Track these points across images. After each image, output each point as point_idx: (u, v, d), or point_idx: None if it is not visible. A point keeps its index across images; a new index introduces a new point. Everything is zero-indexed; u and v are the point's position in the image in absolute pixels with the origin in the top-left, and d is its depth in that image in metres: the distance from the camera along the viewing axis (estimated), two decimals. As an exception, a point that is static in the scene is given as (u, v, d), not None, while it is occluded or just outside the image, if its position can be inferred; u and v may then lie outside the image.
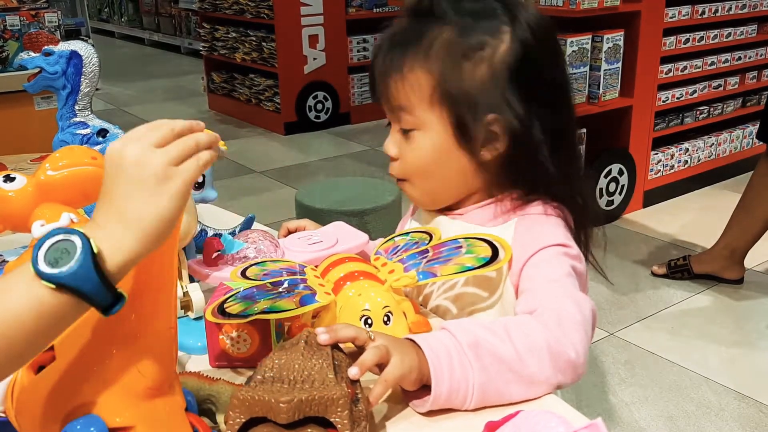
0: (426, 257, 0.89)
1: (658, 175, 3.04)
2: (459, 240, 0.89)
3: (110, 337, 0.58)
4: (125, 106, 5.17)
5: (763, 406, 1.76)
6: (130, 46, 8.19)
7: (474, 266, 0.84)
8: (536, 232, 0.87)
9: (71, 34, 5.46)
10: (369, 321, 0.81)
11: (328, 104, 4.40)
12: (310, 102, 4.33)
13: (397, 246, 0.95)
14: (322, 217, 2.22)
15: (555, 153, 0.88)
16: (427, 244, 0.92)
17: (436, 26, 0.87)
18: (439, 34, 0.87)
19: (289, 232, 1.11)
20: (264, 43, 4.26)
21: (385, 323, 0.82)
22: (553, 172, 0.88)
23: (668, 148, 3.06)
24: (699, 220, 2.91)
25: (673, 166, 3.09)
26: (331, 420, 0.60)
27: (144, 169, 0.54)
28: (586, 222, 0.93)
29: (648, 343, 2.04)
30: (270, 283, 0.86)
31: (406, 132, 0.90)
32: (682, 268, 2.39)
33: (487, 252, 0.85)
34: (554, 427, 0.57)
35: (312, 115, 4.37)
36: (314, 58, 4.27)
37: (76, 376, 0.59)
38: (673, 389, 1.84)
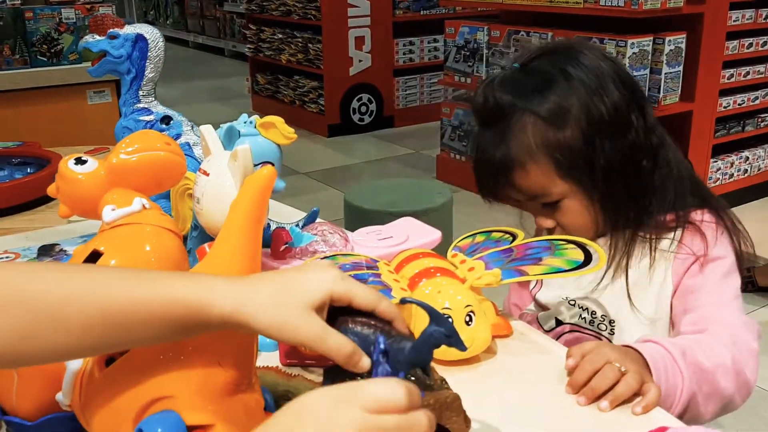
0: (510, 256, 0.83)
1: (717, 183, 2.92)
2: (548, 241, 0.84)
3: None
4: (173, 106, 5.18)
5: (841, 429, 1.66)
6: (174, 48, 8.27)
7: (565, 268, 0.79)
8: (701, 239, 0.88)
9: (119, 34, 5.52)
10: (449, 320, 0.76)
11: (373, 107, 4.36)
12: (355, 104, 4.30)
13: (477, 244, 0.90)
14: (372, 219, 2.17)
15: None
16: (510, 243, 0.87)
17: (518, 118, 0.88)
18: (524, 121, 0.88)
19: None
20: (310, 45, 4.24)
21: (467, 323, 0.76)
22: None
23: (728, 156, 2.95)
24: (761, 230, 2.77)
25: (733, 174, 2.98)
26: (446, 426, 0.55)
27: None
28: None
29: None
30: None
31: (550, 205, 0.91)
32: (746, 280, 2.28)
33: (579, 255, 0.80)
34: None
35: (356, 117, 4.33)
36: (360, 60, 4.23)
37: (150, 369, 0.54)
38: (744, 408, 1.74)
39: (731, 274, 0.88)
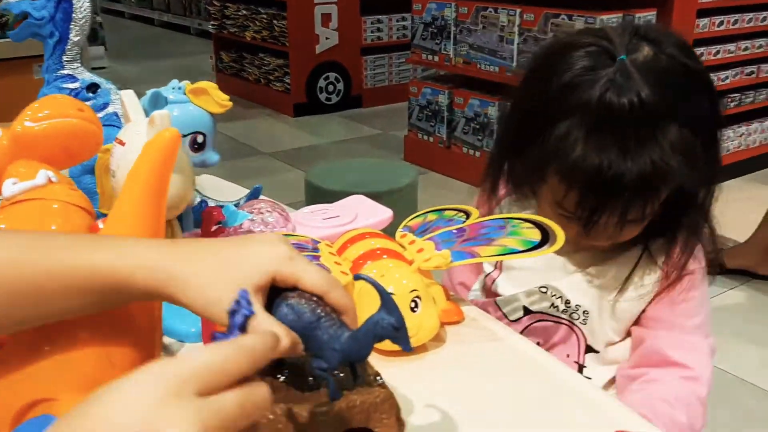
0: (462, 236, 0.76)
1: (686, 165, 2.89)
2: (502, 219, 0.77)
3: (73, 318, 0.45)
4: (132, 85, 5.01)
5: (808, 413, 1.63)
6: (139, 27, 8.07)
7: (520, 249, 0.72)
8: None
9: (78, 9, 5.33)
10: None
11: (340, 86, 4.26)
12: (321, 83, 4.19)
13: (428, 222, 0.83)
14: (334, 200, 2.11)
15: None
16: (464, 222, 0.80)
17: (659, 126, 0.74)
18: (666, 131, 0.74)
19: None
20: (275, 21, 4.12)
21: (413, 310, 0.69)
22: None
23: (696, 137, 2.92)
24: (729, 212, 2.73)
25: (701, 156, 2.95)
26: (375, 429, 0.49)
27: None
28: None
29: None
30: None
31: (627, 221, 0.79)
32: (713, 262, 2.25)
33: (536, 235, 0.73)
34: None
35: (323, 96, 4.23)
36: (326, 38, 4.12)
37: (30, 367, 0.46)
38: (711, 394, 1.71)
39: (703, 283, 0.88)
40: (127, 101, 0.76)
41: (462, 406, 0.63)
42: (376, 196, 2.38)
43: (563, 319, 0.88)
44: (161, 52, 6.44)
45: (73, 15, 0.97)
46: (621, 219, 0.76)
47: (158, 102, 0.80)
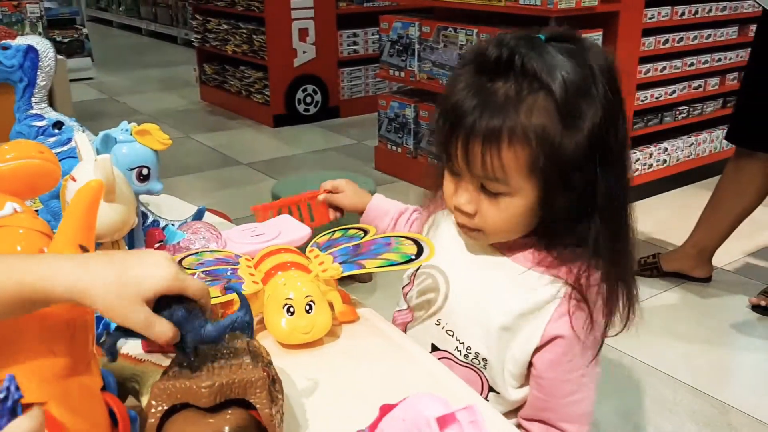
0: (356, 251, 0.93)
1: (637, 173, 3.06)
2: (389, 237, 0.94)
3: (24, 318, 0.62)
4: (117, 96, 5.20)
5: (715, 401, 1.80)
6: (126, 36, 8.23)
7: (397, 262, 0.89)
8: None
9: (65, 23, 5.49)
10: (291, 309, 0.85)
11: (318, 98, 4.43)
12: (300, 95, 4.37)
13: (333, 239, 1.00)
14: (297, 210, 2.27)
15: (612, 212, 0.84)
16: (361, 239, 0.97)
17: (532, 93, 0.78)
18: (536, 101, 0.78)
19: (328, 192, 1.17)
20: (254, 36, 4.29)
21: (307, 311, 0.86)
22: (605, 230, 0.83)
23: (647, 147, 3.09)
24: (674, 218, 2.94)
25: (652, 165, 3.13)
26: (251, 401, 0.65)
27: None
28: (627, 279, 0.91)
29: (609, 338, 2.07)
30: (203, 272, 0.90)
31: (489, 192, 0.84)
32: (651, 265, 2.43)
33: (413, 250, 0.90)
34: (435, 408, 0.61)
35: (301, 108, 4.40)
36: (304, 52, 4.30)
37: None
38: (631, 384, 1.88)
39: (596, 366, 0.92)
40: (79, 143, 0.93)
41: (341, 386, 0.81)
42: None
43: (466, 364, 0.91)
44: (148, 62, 6.60)
45: (39, 63, 1.14)
46: (464, 157, 0.81)
47: (108, 142, 0.97)
